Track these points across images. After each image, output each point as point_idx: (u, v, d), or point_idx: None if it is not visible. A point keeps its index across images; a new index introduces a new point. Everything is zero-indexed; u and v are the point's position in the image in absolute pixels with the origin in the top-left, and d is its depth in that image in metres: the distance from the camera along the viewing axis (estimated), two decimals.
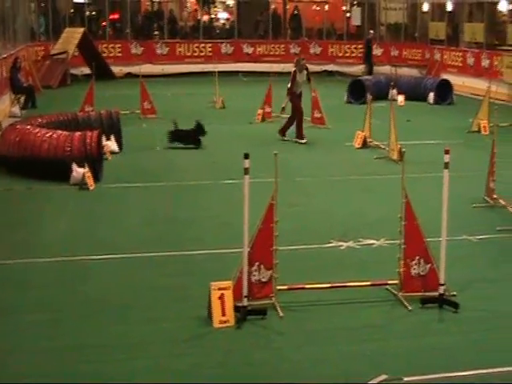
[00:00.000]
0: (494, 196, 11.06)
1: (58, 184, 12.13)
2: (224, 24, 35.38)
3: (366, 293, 7.63)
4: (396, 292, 7.60)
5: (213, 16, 35.38)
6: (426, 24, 31.31)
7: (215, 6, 35.34)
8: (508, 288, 8.07)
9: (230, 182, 12.18)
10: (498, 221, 10.34)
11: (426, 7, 31.48)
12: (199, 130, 15.43)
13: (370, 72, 27.11)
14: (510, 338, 6.86)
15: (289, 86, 16.54)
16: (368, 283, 7.70)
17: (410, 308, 7.34)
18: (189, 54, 30.98)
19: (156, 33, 32.12)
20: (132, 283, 8.07)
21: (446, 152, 7.35)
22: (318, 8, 34.99)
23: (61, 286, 7.99)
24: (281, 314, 7.14)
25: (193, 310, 7.21)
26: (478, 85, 24.34)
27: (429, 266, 7.52)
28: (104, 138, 13.85)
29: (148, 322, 7.05)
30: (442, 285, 7.45)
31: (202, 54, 31.00)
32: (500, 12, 26.93)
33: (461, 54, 27.57)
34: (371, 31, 28.87)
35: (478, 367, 6.19)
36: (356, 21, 32.96)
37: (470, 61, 26.76)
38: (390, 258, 7.99)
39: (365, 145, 15.42)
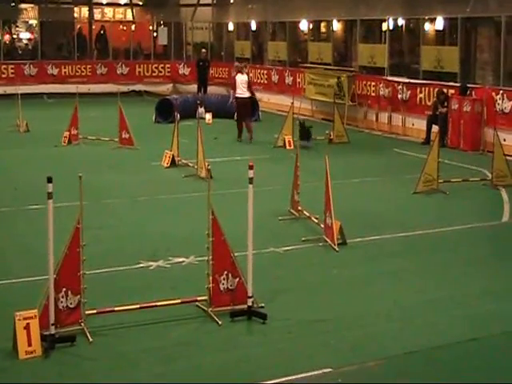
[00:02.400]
0: (299, 208, 11.46)
1: None
2: (27, 44, 34.31)
3: (176, 311, 7.65)
4: (206, 308, 7.68)
5: (15, 36, 34.19)
6: (232, 43, 32.00)
7: (17, 26, 34.18)
8: (311, 296, 8.36)
9: (35, 207, 11.75)
10: (302, 232, 10.74)
11: (231, 26, 32.16)
12: None
13: (205, 92, 26.93)
14: (314, 343, 7.09)
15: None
16: (178, 301, 7.73)
17: (219, 322, 7.43)
18: None
19: None
20: None
21: (250, 167, 7.54)
22: (124, 28, 34.80)
23: None
24: (90, 340, 7.01)
25: None
26: (283, 101, 25.22)
27: (237, 279, 7.66)
28: None
29: None
30: (250, 297, 7.60)
31: (4, 75, 29.84)
32: (302, 31, 28.00)
33: (266, 71, 28.41)
34: (203, 50, 28.87)
35: (287, 374, 6.37)
36: (163, 40, 33.09)
37: (275, 78, 27.64)
38: (199, 274, 8.07)
39: (173, 164, 15.47)
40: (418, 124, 20.27)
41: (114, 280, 8.80)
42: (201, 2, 33.52)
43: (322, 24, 27.96)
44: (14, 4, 32.60)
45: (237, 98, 19.36)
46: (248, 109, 19.46)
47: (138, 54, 33.27)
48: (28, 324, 6.75)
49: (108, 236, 10.51)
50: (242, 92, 19.25)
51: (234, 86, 19.67)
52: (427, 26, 22.29)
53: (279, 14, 28.16)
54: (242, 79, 19.38)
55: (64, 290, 7.05)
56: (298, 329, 7.44)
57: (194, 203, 12.06)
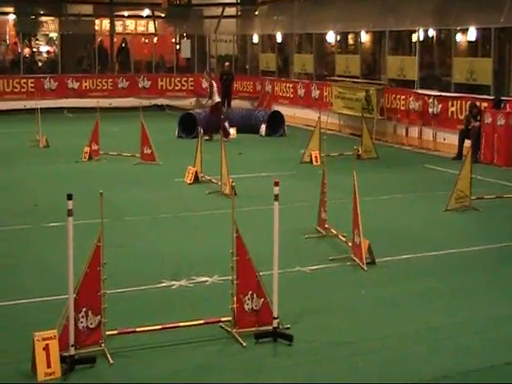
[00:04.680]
0: (326, 226, 11.22)
1: None
2: (47, 58, 34.37)
3: (199, 332, 7.45)
4: (230, 329, 7.47)
5: (35, 49, 34.29)
6: (256, 55, 31.89)
7: (37, 39, 34.29)
8: (339, 317, 8.13)
9: (54, 225, 11.59)
10: (330, 250, 10.49)
11: (256, 39, 32.05)
12: None
13: (228, 106, 26.89)
14: (341, 367, 6.88)
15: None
16: (201, 322, 7.53)
17: (244, 344, 7.22)
18: (8, 90, 29.75)
19: None
20: None
21: (276, 184, 7.35)
22: (146, 41, 34.82)
23: None
24: (111, 361, 6.82)
25: (13, 365, 6.74)
26: (309, 115, 25.02)
27: (262, 300, 7.45)
28: None
29: None
30: (276, 318, 7.40)
31: (24, 89, 29.85)
32: (328, 43, 27.83)
33: (291, 85, 28.23)
34: (226, 63, 28.79)
35: None
36: (186, 53, 33.03)
37: (301, 92, 27.44)
38: (223, 294, 7.86)
39: (196, 180, 15.26)
40: (450, 139, 19.91)
41: (136, 300, 8.60)
42: (225, 14, 33.49)
43: (350, 36, 27.77)
44: (34, 17, 32.72)
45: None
46: None
47: (160, 67, 33.23)
48: (47, 345, 6.59)
49: (129, 254, 10.33)
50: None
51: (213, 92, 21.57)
52: (459, 37, 21.98)
53: (305, 25, 27.97)
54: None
55: (84, 309, 6.88)
56: (324, 351, 7.22)
57: (218, 221, 11.86)
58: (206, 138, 20.13)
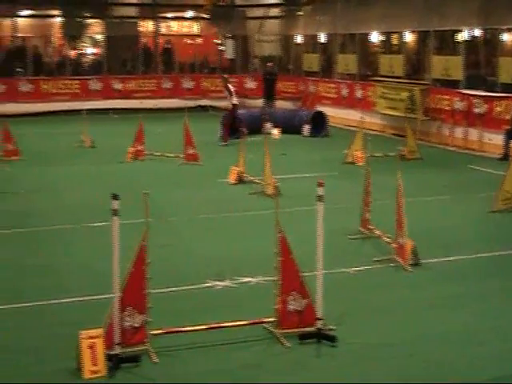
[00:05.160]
0: (370, 227, 11.15)
1: None
2: (92, 59, 34.69)
3: (243, 332, 7.46)
4: (273, 329, 7.47)
5: (80, 51, 34.63)
6: (299, 56, 31.83)
7: (82, 41, 34.63)
8: (383, 319, 8.09)
9: (98, 224, 11.71)
10: (373, 251, 10.43)
11: (299, 39, 31.99)
12: None
13: (272, 106, 26.89)
14: (385, 368, 6.85)
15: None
16: (245, 322, 7.54)
17: (287, 345, 7.23)
18: (55, 91, 30.12)
19: (19, 70, 31.01)
20: None
21: (320, 185, 7.33)
22: (190, 41, 34.97)
23: None
24: (155, 360, 6.88)
25: (59, 363, 6.84)
26: (352, 116, 24.90)
27: (305, 300, 7.44)
28: None
29: (10, 377, 6.63)
30: (320, 319, 7.38)
31: (70, 91, 30.20)
32: (372, 43, 27.67)
33: (334, 85, 28.12)
34: (269, 63, 28.78)
35: None
36: (229, 54, 33.08)
37: (344, 92, 27.32)
38: (267, 295, 7.86)
39: (240, 180, 15.29)
40: (496, 139, 19.62)
41: (180, 299, 8.65)
42: (268, 15, 33.48)
43: (394, 36, 27.53)
44: (79, 19, 33.07)
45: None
46: None
47: (203, 67, 33.33)
48: (93, 343, 6.67)
49: (173, 254, 10.38)
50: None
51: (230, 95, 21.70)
52: (505, 37, 21.68)
53: (349, 25, 27.83)
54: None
55: (129, 308, 6.94)
56: (368, 352, 7.20)
57: (261, 221, 11.86)
58: (223, 143, 20.58)
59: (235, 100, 21.51)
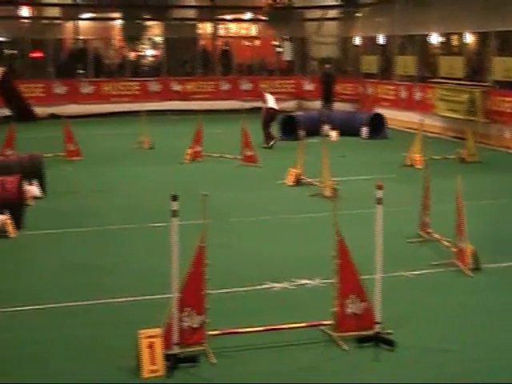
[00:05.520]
0: (429, 230, 11.03)
1: None
2: (152, 61, 35.05)
3: (300, 334, 7.46)
4: (331, 332, 7.45)
5: (140, 53, 35.02)
6: (358, 57, 31.66)
7: (142, 43, 35.01)
8: (442, 324, 8.00)
9: (157, 225, 11.81)
10: (432, 255, 10.31)
11: (357, 41, 31.84)
12: None
13: (330, 108, 26.77)
14: (444, 374, 6.77)
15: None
16: (303, 324, 7.54)
17: (345, 348, 7.20)
18: (115, 92, 30.51)
19: (80, 71, 31.52)
20: (52, 334, 7.72)
21: (379, 187, 7.28)
22: (248, 43, 35.08)
23: None
24: (213, 361, 6.91)
25: (119, 361, 6.92)
26: (411, 118, 24.62)
27: (364, 304, 7.40)
28: (26, 183, 13.40)
29: (71, 375, 6.73)
30: (378, 323, 7.34)
31: (129, 92, 30.58)
32: (431, 45, 27.37)
33: (393, 87, 27.90)
34: (327, 65, 28.72)
35: None
36: (287, 56, 33.04)
37: (403, 94, 27.08)
38: (324, 297, 7.86)
39: (298, 182, 15.26)
40: None
41: (237, 301, 8.69)
42: (326, 16, 33.39)
43: (454, 37, 27.18)
44: (139, 21, 33.45)
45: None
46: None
47: (261, 69, 33.39)
48: (152, 343, 6.73)
49: (231, 255, 10.42)
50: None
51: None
52: None
53: (408, 27, 27.55)
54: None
55: (188, 309, 6.99)
56: (427, 358, 7.11)
57: (319, 223, 11.82)
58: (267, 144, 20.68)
59: (271, 104, 21.34)
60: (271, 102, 21.15)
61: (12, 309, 8.41)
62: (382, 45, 29.89)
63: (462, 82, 23.85)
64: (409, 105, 26.41)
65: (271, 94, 21.92)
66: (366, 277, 7.52)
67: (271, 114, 21.00)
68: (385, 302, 7.38)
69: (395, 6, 28.29)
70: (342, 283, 7.34)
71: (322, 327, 7.57)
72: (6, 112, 25.88)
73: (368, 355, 7.13)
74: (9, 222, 11.49)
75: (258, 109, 30.72)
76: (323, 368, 6.89)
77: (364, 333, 7.35)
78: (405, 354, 7.15)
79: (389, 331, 7.44)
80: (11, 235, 11.43)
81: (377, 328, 7.33)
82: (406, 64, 27.83)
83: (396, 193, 13.83)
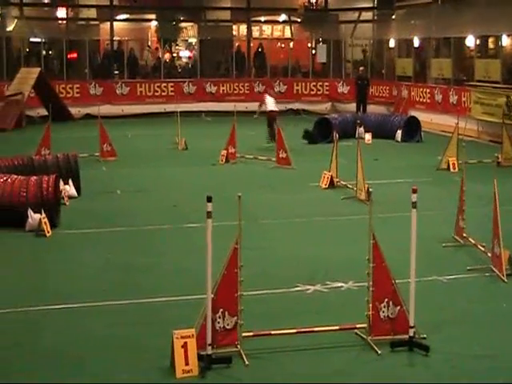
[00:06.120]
0: (464, 235, 10.93)
1: (13, 231, 11.73)
2: (186, 63, 35.19)
3: (334, 337, 7.43)
4: (365, 336, 7.42)
5: (174, 54, 35.17)
6: (393, 60, 31.50)
7: (177, 45, 35.17)
8: (478, 330, 7.91)
9: (191, 226, 11.88)
10: (468, 260, 10.21)
11: (392, 43, 31.67)
12: None
13: (364, 111, 26.63)
14: (479, 380, 6.70)
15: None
16: (336, 327, 7.51)
17: (379, 352, 7.16)
18: (150, 93, 30.69)
19: (116, 72, 31.75)
20: (87, 334, 7.76)
21: (414, 191, 7.24)
22: (282, 45, 35.06)
23: (9, 338, 7.62)
24: (246, 362, 6.92)
25: (153, 361, 6.96)
26: (447, 121, 24.44)
27: (398, 308, 7.36)
28: (61, 183, 13.52)
29: (106, 374, 6.77)
30: (412, 327, 7.28)
31: (164, 93, 30.68)
32: (467, 47, 27.14)
33: (428, 90, 27.71)
34: (361, 68, 28.63)
35: None
36: (322, 58, 32.99)
37: (438, 97, 26.89)
38: (358, 301, 7.82)
39: (332, 185, 15.22)
40: None
41: (270, 302, 8.68)
42: (361, 18, 33.28)
43: (490, 39, 26.95)
44: (174, 23, 33.60)
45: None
46: None
47: (295, 71, 33.36)
48: (185, 343, 6.75)
49: (264, 257, 10.41)
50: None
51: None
52: None
53: (444, 29, 27.35)
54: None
55: (221, 310, 7.01)
56: (461, 363, 7.05)
57: (353, 226, 11.80)
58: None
59: (271, 107, 21.18)
60: (271, 104, 21.10)
61: (47, 307, 8.48)
62: (417, 47, 29.70)
63: (498, 85, 23.62)
64: (444, 108, 26.21)
65: (270, 95, 21.90)
66: (400, 281, 7.47)
67: (272, 116, 20.89)
68: (419, 307, 7.33)
69: (431, 8, 28.12)
70: (376, 287, 7.30)
71: (355, 330, 7.53)
72: (43, 112, 26.16)
73: (402, 360, 7.08)
74: (45, 220, 11.60)
75: (294, 111, 30.93)
76: (357, 372, 6.85)
77: (398, 337, 7.30)
78: (439, 359, 7.09)
79: (423, 336, 7.38)
80: (47, 234, 11.54)
81: (411, 332, 7.27)
82: (441, 67, 27.65)
83: (431, 196, 13.74)
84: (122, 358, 7.13)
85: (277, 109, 21.30)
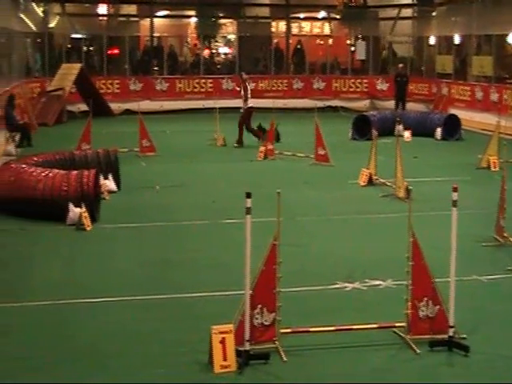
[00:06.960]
0: (505, 234, 10.81)
1: (54, 224, 11.88)
2: (225, 59, 35.26)
3: (372, 336, 7.40)
4: (403, 335, 7.37)
5: (214, 51, 35.27)
6: (432, 57, 31.24)
7: (216, 41, 35.25)
8: None
9: (230, 221, 11.91)
10: (508, 260, 10.09)
11: (432, 40, 31.41)
12: None
13: (403, 108, 26.45)
14: None
15: None
16: (374, 326, 7.47)
17: (417, 351, 7.11)
18: (189, 89, 30.85)
19: (155, 68, 31.94)
20: (126, 328, 7.82)
21: (454, 190, 7.19)
22: (321, 42, 34.96)
23: (46, 332, 7.70)
24: (284, 359, 6.92)
25: (191, 355, 6.99)
26: (487, 120, 24.18)
27: (437, 307, 7.30)
28: (101, 177, 13.64)
29: (144, 369, 6.81)
30: (452, 327, 7.23)
31: (203, 89, 30.82)
32: (509, 45, 26.81)
33: (469, 88, 27.44)
34: (400, 64, 28.48)
35: None
36: (361, 55, 32.83)
37: (479, 95, 26.61)
38: (397, 299, 7.77)
39: (370, 182, 15.15)
40: None
41: (308, 299, 8.67)
42: (401, 15, 33.05)
43: None
44: (214, 19, 33.69)
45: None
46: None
47: (334, 68, 33.26)
48: (224, 338, 6.76)
49: (303, 254, 10.39)
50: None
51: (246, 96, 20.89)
52: None
53: (485, 26, 27.05)
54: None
55: (259, 306, 7.01)
56: (502, 364, 6.97)
57: (392, 224, 11.73)
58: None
59: (251, 103, 21.09)
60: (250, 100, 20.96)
61: (84, 300, 8.56)
62: (457, 44, 29.42)
63: None
64: (485, 106, 25.94)
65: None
66: (440, 280, 7.40)
67: (250, 113, 20.87)
68: (458, 306, 7.26)
69: (472, 5, 27.84)
70: (416, 285, 7.26)
71: (394, 329, 7.49)
72: (84, 107, 26.41)
73: (441, 359, 7.03)
74: (85, 215, 11.72)
75: (333, 107, 30.82)
76: (396, 370, 6.81)
77: (437, 336, 7.25)
78: (479, 359, 7.03)
79: (463, 336, 7.32)
80: (87, 228, 11.66)
81: (450, 332, 7.22)
82: (482, 64, 27.35)
83: (471, 195, 13.61)
84: (160, 352, 7.16)
85: (252, 104, 21.21)
